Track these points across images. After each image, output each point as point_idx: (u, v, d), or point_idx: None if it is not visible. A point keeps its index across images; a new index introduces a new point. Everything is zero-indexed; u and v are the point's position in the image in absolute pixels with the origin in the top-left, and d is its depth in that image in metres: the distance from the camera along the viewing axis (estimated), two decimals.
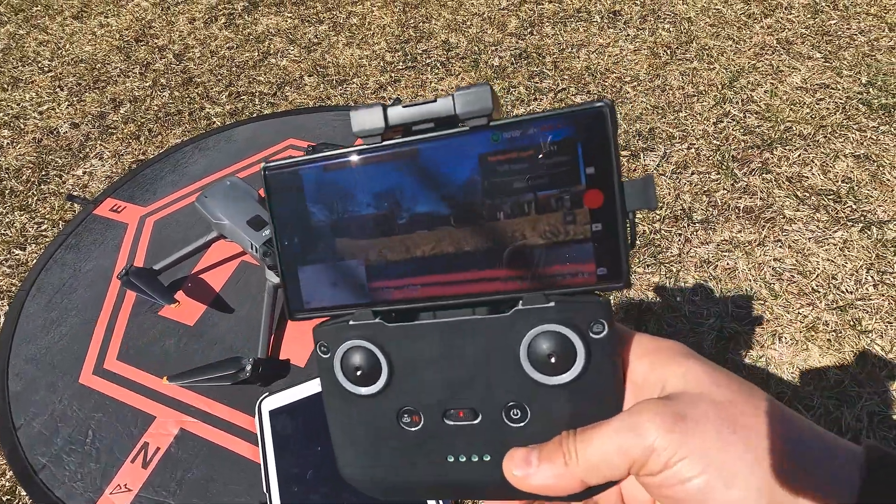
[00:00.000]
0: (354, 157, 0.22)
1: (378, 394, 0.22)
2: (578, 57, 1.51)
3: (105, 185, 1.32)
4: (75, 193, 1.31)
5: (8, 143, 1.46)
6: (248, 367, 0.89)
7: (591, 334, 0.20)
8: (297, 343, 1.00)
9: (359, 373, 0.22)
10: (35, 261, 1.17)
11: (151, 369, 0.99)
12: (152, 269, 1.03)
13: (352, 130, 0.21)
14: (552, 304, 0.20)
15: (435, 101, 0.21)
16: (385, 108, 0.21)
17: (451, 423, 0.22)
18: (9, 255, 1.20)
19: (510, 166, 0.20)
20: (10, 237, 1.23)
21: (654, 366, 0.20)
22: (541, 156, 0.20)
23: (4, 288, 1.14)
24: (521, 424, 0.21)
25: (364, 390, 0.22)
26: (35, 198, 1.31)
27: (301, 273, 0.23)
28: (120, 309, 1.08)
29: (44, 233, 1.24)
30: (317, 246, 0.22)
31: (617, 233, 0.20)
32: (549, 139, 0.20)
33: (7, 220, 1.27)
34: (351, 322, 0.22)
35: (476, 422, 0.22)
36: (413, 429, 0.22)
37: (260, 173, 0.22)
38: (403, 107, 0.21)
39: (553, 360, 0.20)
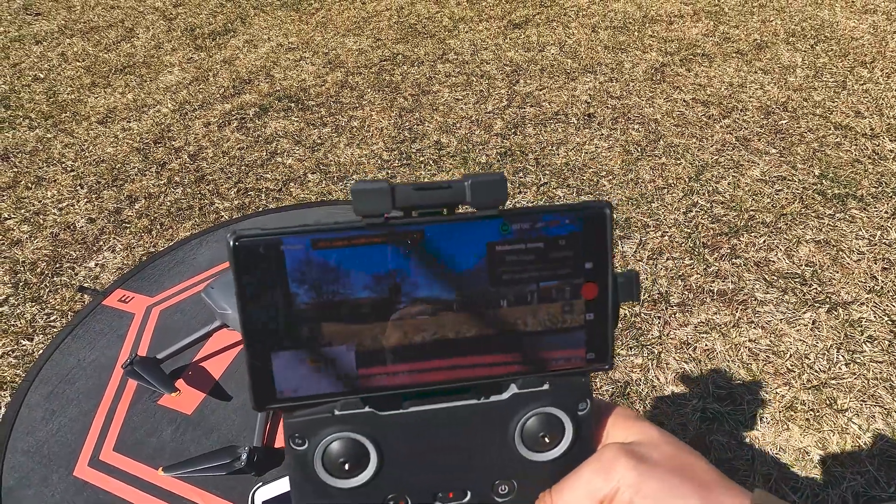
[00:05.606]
0: (352, 235, 0.20)
1: (363, 486, 0.22)
2: (558, 154, 1.66)
3: (116, 277, 1.39)
4: (86, 285, 1.38)
5: (26, 238, 1.55)
6: (244, 457, 0.91)
7: (578, 412, 0.22)
8: None
9: (345, 466, 0.21)
10: (41, 351, 1.21)
11: (147, 460, 1.00)
12: (155, 359, 1.07)
13: (353, 209, 0.20)
14: (546, 386, 0.22)
15: (449, 187, 0.20)
16: (393, 188, 0.20)
17: None
18: (16, 346, 1.24)
19: (517, 256, 0.21)
20: (20, 328, 1.28)
21: (613, 426, 0.23)
22: (548, 248, 0.21)
23: (8, 379, 1.17)
24: (509, 497, 0.23)
25: (347, 483, 0.21)
26: (47, 290, 1.38)
27: (275, 359, 0.20)
28: (120, 399, 1.11)
29: (52, 323, 1.29)
30: (298, 331, 0.20)
31: (607, 322, 0.22)
32: (556, 233, 0.21)
33: (18, 311, 1.33)
34: (337, 412, 0.21)
35: (464, 501, 0.22)
36: None
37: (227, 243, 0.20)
38: (414, 189, 0.20)
39: (546, 438, 0.22)
